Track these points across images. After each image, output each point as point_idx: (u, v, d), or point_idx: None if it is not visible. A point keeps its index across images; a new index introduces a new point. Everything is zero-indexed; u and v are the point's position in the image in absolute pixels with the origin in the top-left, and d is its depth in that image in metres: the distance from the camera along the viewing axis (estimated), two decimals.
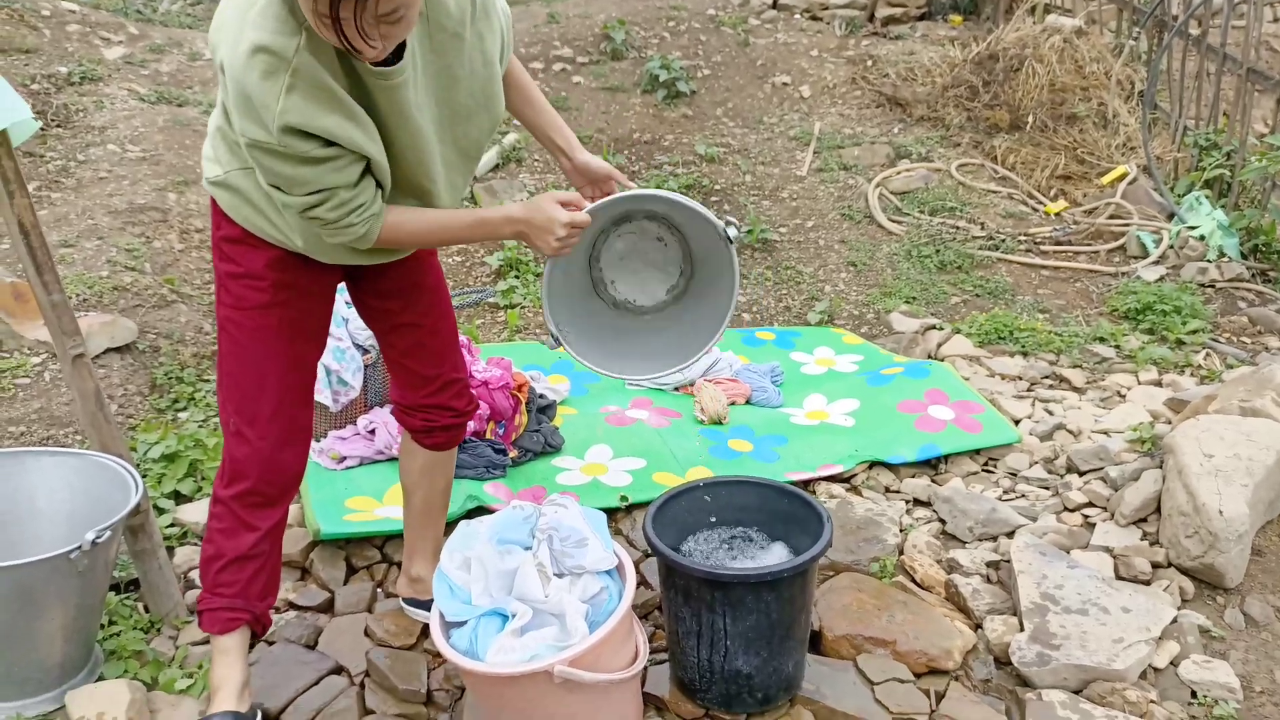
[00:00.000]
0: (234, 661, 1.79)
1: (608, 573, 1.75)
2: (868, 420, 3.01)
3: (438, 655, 2.10)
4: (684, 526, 2.00)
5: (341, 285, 1.86)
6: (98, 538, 1.72)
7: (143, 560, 2.11)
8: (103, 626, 2.05)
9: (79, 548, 1.70)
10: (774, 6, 7.47)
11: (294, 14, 1.37)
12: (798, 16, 7.32)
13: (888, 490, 2.75)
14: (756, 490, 2.02)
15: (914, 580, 2.33)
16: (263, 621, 1.84)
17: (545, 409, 2.99)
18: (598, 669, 1.59)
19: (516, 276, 4.20)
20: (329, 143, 1.43)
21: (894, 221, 4.71)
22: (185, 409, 2.98)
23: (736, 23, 7.04)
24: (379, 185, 1.54)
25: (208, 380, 3.11)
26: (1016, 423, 3.07)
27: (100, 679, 1.91)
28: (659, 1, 7.36)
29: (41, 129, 4.52)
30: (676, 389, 3.28)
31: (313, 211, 1.49)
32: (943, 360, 3.47)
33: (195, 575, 2.27)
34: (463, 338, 3.00)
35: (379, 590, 2.30)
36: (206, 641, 2.09)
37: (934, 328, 3.77)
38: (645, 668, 2.00)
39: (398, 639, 2.10)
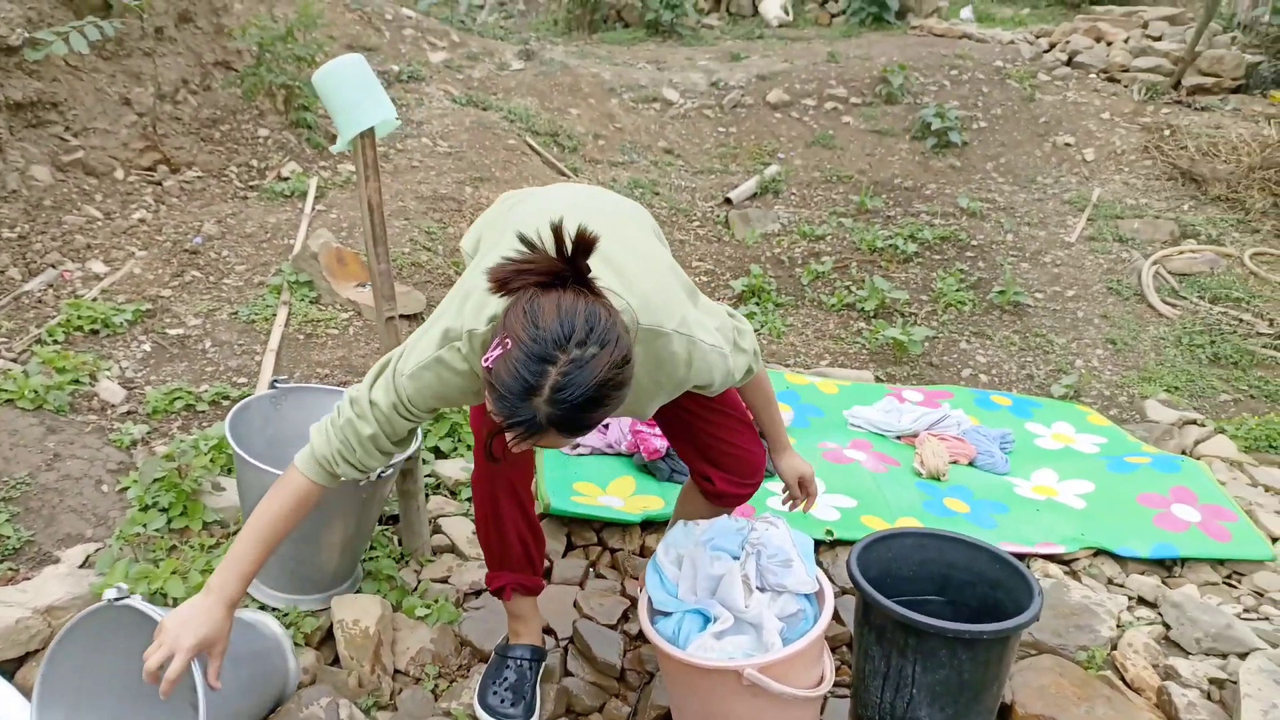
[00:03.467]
0: (528, 612, 2.04)
1: (807, 596, 1.84)
2: (1101, 506, 2.87)
3: (635, 638, 2.27)
4: (886, 570, 2.04)
5: None
6: (384, 471, 2.03)
7: (406, 500, 2.44)
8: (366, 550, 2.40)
9: (368, 477, 2.02)
10: (1068, 63, 7.16)
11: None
12: (1093, 76, 6.97)
13: (1110, 582, 2.62)
14: (968, 550, 2.03)
15: (1123, 679, 2.22)
16: (530, 588, 2.03)
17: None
18: (785, 682, 1.69)
19: (757, 304, 4.35)
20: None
21: (1168, 304, 4.41)
22: None
23: (1024, 77, 6.82)
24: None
25: None
26: (1275, 541, 2.81)
27: (359, 592, 2.25)
28: (944, 49, 7.27)
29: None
30: (899, 438, 3.28)
31: (348, 421, 1.62)
32: (1198, 459, 3.23)
33: (443, 522, 2.59)
34: None
35: (591, 570, 2.52)
36: (445, 580, 2.40)
37: (1194, 423, 3.50)
38: (826, 698, 2.07)
39: (601, 616, 2.30)
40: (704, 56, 7.69)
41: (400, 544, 2.49)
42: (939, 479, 3.00)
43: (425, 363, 1.53)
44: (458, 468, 2.79)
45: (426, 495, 2.65)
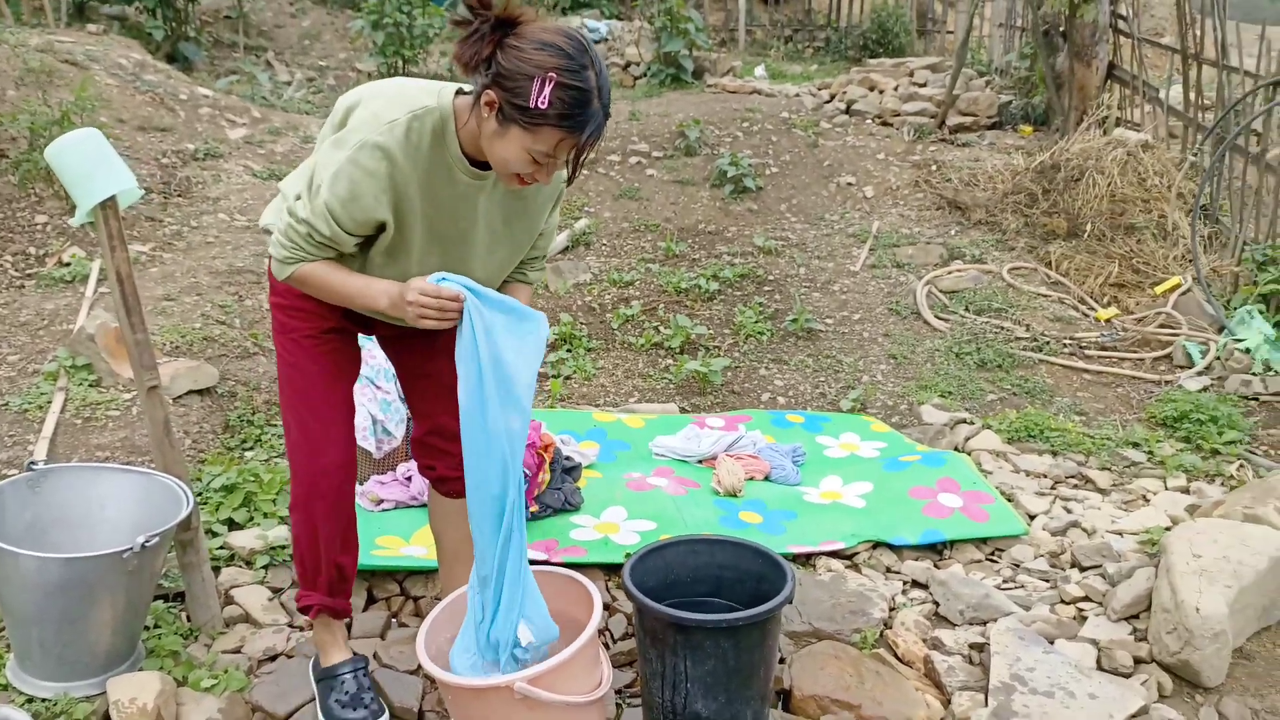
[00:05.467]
0: (338, 629, 2.14)
1: None
2: (878, 503, 3.12)
3: (434, 681, 2.28)
4: (664, 579, 2.16)
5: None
6: (146, 541, 1.99)
7: (189, 573, 2.37)
8: (148, 628, 2.31)
9: (130, 549, 1.97)
10: (846, 112, 7.79)
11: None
12: (869, 121, 7.61)
13: (888, 570, 2.84)
14: (734, 550, 2.18)
15: (895, 655, 2.42)
16: (338, 611, 2.12)
17: (571, 470, 3.20)
18: (560, 690, 1.76)
19: (569, 350, 4.47)
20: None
21: (940, 319, 4.83)
22: (252, 449, 3.30)
23: (808, 125, 7.37)
24: (330, 247, 1.78)
25: (275, 425, 3.44)
26: (1032, 518, 3.12)
27: (140, 671, 2.16)
28: (735, 105, 7.77)
29: (164, 198, 5.09)
30: (700, 462, 3.45)
31: (301, 216, 1.75)
32: (969, 453, 3.55)
33: (235, 593, 2.53)
34: None
35: (394, 620, 2.51)
36: (238, 650, 2.35)
37: (964, 421, 3.85)
38: (622, 707, 2.15)
39: (401, 664, 2.30)
40: None
41: (188, 620, 2.42)
42: (735, 495, 3.17)
43: (339, 168, 1.68)
44: (252, 537, 2.73)
45: (216, 569, 2.59)
